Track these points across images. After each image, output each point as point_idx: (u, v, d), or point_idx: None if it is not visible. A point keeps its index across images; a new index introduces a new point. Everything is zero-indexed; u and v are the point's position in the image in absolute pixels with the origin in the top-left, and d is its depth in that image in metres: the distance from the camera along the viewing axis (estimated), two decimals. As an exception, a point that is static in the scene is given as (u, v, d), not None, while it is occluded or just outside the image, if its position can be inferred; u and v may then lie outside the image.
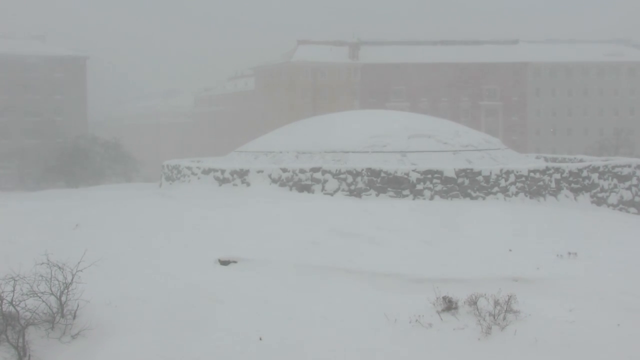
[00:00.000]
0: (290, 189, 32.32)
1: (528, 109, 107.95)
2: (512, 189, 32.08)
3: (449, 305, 18.15)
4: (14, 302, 16.21)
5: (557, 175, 33.27)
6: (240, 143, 46.77)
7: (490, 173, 31.99)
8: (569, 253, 22.46)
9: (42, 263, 17.45)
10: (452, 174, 31.65)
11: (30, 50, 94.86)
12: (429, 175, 31.53)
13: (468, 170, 31.90)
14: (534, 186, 32.52)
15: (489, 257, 22.22)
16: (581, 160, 40.21)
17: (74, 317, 16.83)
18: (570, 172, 33.62)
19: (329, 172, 32.15)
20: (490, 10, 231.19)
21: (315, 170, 32.37)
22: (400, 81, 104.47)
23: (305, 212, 26.28)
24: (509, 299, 17.80)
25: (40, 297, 16.67)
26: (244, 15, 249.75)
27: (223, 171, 34.40)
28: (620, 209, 34.50)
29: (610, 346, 16.59)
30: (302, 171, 32.47)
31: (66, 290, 17.02)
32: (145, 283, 19.57)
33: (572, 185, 33.56)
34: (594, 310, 18.26)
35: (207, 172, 35.18)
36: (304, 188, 32.16)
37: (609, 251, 23.10)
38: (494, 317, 17.45)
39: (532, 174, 32.64)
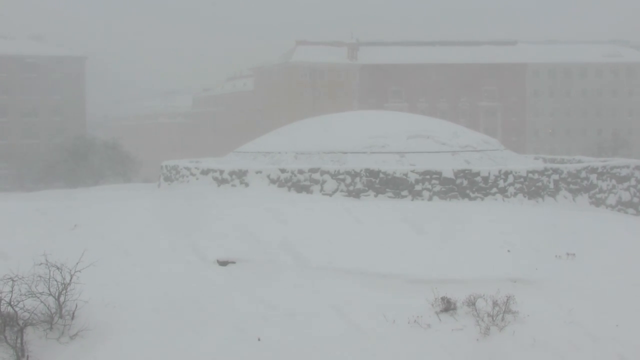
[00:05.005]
0: (289, 190, 32.31)
1: (527, 110, 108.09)
2: (511, 189, 32.09)
3: (448, 306, 18.15)
4: (12, 303, 16.20)
5: (556, 176, 33.28)
6: (239, 144, 46.76)
7: (489, 174, 32.00)
8: (568, 254, 22.47)
9: (41, 263, 17.43)
10: (451, 175, 31.66)
11: (29, 51, 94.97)
12: (428, 176, 31.54)
13: (467, 171, 31.91)
14: (532, 187, 32.53)
15: (487, 257, 22.22)
16: (580, 161, 40.23)
17: (73, 317, 16.82)
18: (569, 173, 33.64)
19: (328, 172, 32.15)
20: (489, 11, 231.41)
21: (313, 170, 32.37)
22: (399, 82, 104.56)
23: (303, 213, 26.28)
24: (507, 300, 17.80)
25: (38, 298, 16.66)
26: (242, 16, 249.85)
27: (222, 172, 34.39)
28: (619, 210, 34.52)
29: (609, 347, 16.61)
30: (301, 172, 32.47)
31: (64, 291, 17.00)
32: (143, 283, 19.57)
33: (571, 186, 33.57)
34: (592, 311, 18.28)
35: (205, 172, 35.18)
36: (302, 189, 32.16)
37: (608, 252, 23.11)
38: (493, 318, 17.46)
39: (530, 175, 32.65)
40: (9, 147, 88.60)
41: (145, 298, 18.50)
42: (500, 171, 32.22)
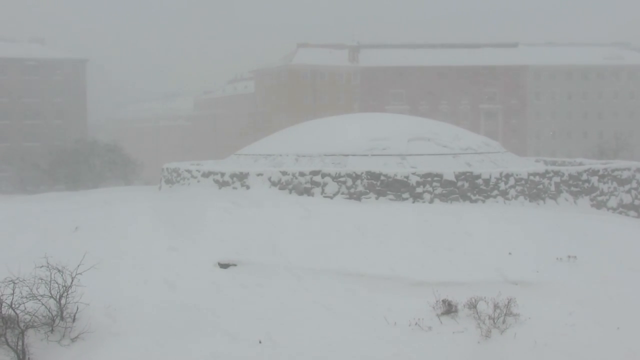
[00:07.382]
0: (290, 192, 32.30)
1: (528, 112, 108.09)
2: (512, 192, 32.08)
3: (449, 309, 18.15)
4: (13, 305, 16.21)
5: (557, 179, 33.27)
6: (240, 146, 46.76)
7: (490, 176, 31.98)
8: (569, 256, 22.45)
9: (42, 266, 17.44)
10: (452, 177, 31.64)
11: (30, 54, 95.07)
12: (429, 179, 31.52)
13: (468, 174, 31.89)
14: (533, 189, 32.52)
15: (488, 260, 22.22)
16: (581, 164, 40.16)
17: (74, 320, 16.83)
18: (570, 176, 33.63)
19: (329, 175, 32.13)
20: (490, 13, 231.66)
21: (314, 173, 32.35)
22: (400, 84, 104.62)
23: (304, 215, 26.28)
24: (508, 302, 17.80)
25: (39, 300, 16.67)
26: (243, 19, 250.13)
27: (223, 174, 34.38)
28: (620, 212, 34.49)
29: (610, 349, 16.60)
30: (302, 174, 32.45)
31: (66, 293, 17.01)
32: (144, 286, 19.57)
33: (572, 188, 33.56)
34: (593, 314, 18.27)
35: (206, 175, 35.17)
36: (303, 191, 32.15)
37: (609, 254, 23.10)
38: (494, 321, 17.45)
39: (531, 177, 32.64)
40: (10, 150, 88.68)
41: (146, 300, 18.49)
42: (501, 173, 32.21)
